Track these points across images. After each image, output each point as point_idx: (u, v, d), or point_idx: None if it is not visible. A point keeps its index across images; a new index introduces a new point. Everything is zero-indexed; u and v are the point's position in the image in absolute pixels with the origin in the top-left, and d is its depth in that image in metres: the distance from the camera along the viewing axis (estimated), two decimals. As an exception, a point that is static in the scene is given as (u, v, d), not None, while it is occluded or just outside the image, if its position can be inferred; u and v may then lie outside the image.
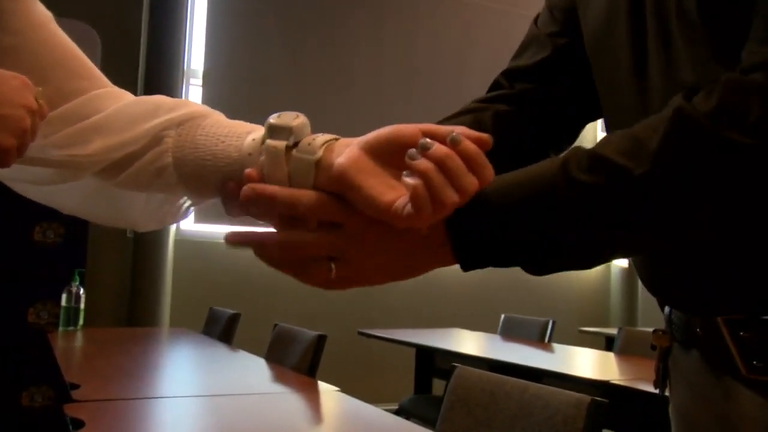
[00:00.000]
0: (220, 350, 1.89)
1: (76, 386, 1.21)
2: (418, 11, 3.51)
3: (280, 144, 0.47)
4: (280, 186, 0.48)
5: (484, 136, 0.43)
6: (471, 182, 0.42)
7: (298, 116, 0.49)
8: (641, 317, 3.85)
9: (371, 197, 0.44)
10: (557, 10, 0.73)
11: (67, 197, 0.55)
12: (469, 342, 2.58)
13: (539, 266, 0.49)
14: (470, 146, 0.42)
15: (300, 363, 1.56)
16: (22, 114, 0.45)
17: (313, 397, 1.34)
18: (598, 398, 0.89)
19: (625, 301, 3.84)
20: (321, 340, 1.54)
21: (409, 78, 3.40)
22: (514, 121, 0.72)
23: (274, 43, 3.10)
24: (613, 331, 3.13)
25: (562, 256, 0.50)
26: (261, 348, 1.94)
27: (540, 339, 2.50)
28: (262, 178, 0.48)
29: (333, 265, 0.48)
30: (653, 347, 0.69)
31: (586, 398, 0.89)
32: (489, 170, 0.43)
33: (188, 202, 0.54)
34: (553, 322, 2.50)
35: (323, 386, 1.37)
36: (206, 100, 2.69)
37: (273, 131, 0.48)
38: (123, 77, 2.67)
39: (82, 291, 2.23)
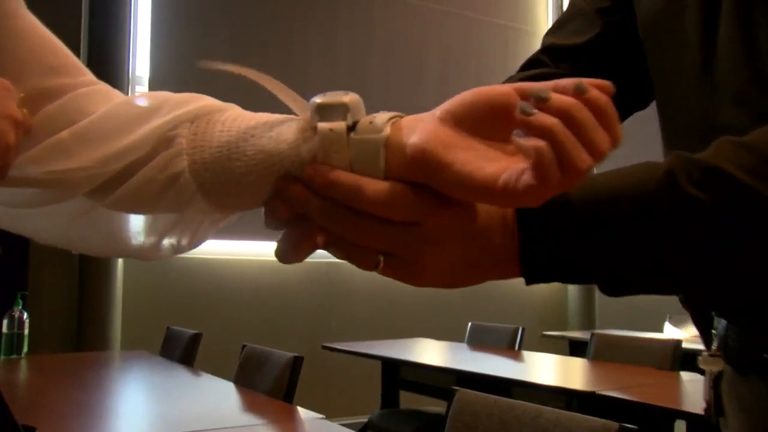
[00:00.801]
0: (182, 374, 1.76)
1: (31, 429, 1.09)
2: (372, 16, 3.45)
3: (339, 125, 0.38)
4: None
5: (605, 82, 0.34)
6: (603, 139, 0.33)
7: (347, 93, 0.40)
8: (599, 320, 3.88)
9: (467, 174, 0.35)
10: None
11: (45, 223, 0.45)
12: (436, 352, 2.51)
13: (622, 288, 0.43)
14: (598, 95, 0.34)
15: (274, 388, 1.46)
16: (4, 127, 0.36)
17: (294, 427, 1.24)
18: (627, 425, 0.82)
19: (583, 304, 3.86)
20: (297, 362, 1.44)
21: (363, 83, 3.34)
22: None
23: (222, 48, 2.99)
24: (575, 334, 3.14)
25: (654, 278, 0.43)
26: (224, 370, 1.85)
27: (510, 347, 2.45)
28: None
29: (381, 259, 0.40)
30: (701, 372, 0.63)
31: (612, 425, 0.82)
32: (619, 127, 0.34)
33: (208, 222, 0.44)
34: (523, 329, 2.45)
35: (304, 413, 1.27)
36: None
37: (323, 111, 0.39)
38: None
39: (25, 315, 2.08)
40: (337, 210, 0.39)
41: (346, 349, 2.43)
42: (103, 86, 0.44)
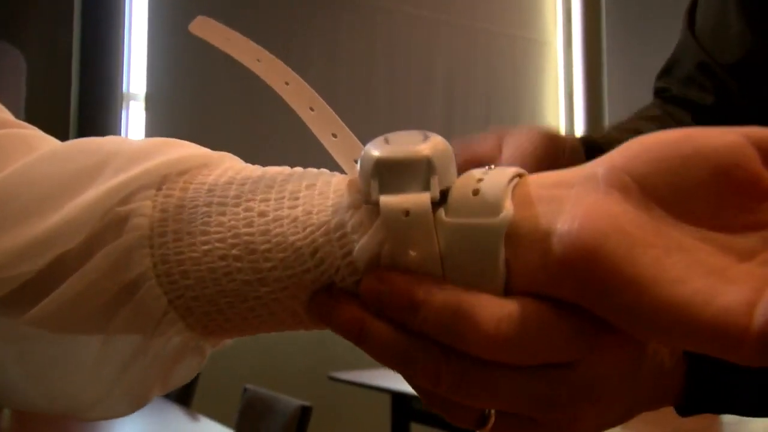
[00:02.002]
0: (179, 416, 1.64)
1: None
2: (374, 27, 3.35)
3: (419, 200, 0.22)
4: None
5: None
6: None
7: (427, 136, 0.23)
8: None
9: (682, 303, 0.19)
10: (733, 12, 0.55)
11: None
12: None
13: None
14: None
15: (280, 440, 1.32)
16: None
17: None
18: None
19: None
20: (305, 412, 1.30)
21: (366, 97, 3.22)
22: None
23: (222, 62, 2.87)
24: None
25: None
26: (223, 411, 1.72)
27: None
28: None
29: (492, 414, 0.24)
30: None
31: None
32: None
33: (190, 353, 0.27)
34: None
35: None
36: (149, 126, 2.46)
37: (388, 174, 0.23)
38: (53, 104, 2.36)
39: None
40: (428, 350, 0.23)
41: (355, 380, 2.32)
42: (24, 130, 0.28)
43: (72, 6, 2.44)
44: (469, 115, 3.43)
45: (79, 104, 2.46)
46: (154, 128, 2.52)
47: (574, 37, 2.96)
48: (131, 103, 2.62)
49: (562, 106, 3.27)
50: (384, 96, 3.30)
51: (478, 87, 3.70)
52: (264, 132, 2.77)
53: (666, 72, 0.61)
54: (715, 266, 0.20)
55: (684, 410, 0.30)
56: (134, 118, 2.56)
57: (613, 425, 0.26)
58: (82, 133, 2.38)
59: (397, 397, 2.40)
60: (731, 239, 0.21)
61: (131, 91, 2.63)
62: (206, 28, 0.30)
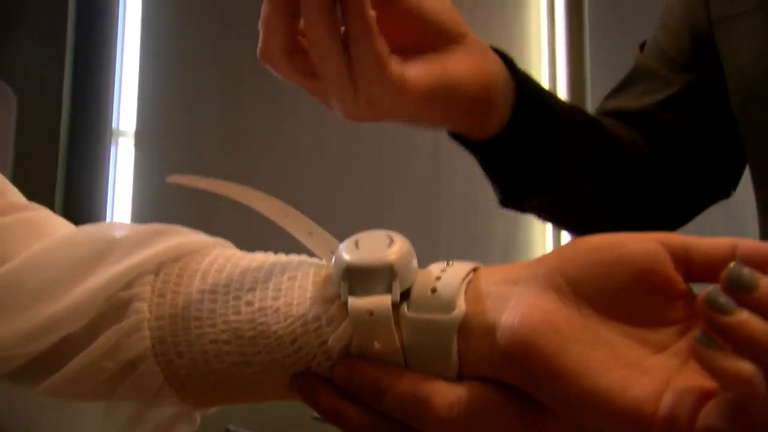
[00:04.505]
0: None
1: None
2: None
3: (381, 302, 0.26)
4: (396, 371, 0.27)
5: None
6: None
7: (392, 240, 0.27)
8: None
9: (602, 392, 0.23)
10: (681, 39, 0.61)
11: None
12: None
13: None
14: None
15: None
16: None
17: None
18: None
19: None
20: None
21: (354, 136, 3.26)
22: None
23: (211, 101, 2.91)
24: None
25: None
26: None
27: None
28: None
29: None
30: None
31: None
32: None
33: (183, 421, 0.31)
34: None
35: None
36: (138, 162, 2.47)
37: (357, 278, 0.27)
38: (42, 139, 2.37)
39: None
40: (393, 429, 0.28)
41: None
42: (33, 213, 0.32)
43: (64, 41, 2.47)
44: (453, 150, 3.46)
45: (69, 140, 2.47)
46: (142, 164, 2.54)
47: (559, 81, 3.02)
48: (120, 139, 2.63)
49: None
50: (373, 134, 3.33)
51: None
52: (252, 170, 2.78)
53: (617, 90, 0.66)
54: (632, 358, 0.24)
55: None
56: (123, 154, 2.58)
57: None
58: (70, 167, 2.38)
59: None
60: (648, 333, 0.25)
61: (121, 127, 2.64)
62: (184, 180, 0.34)
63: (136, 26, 2.53)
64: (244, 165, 2.88)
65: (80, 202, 2.35)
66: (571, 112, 0.54)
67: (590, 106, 3.15)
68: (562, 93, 3.05)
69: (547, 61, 3.47)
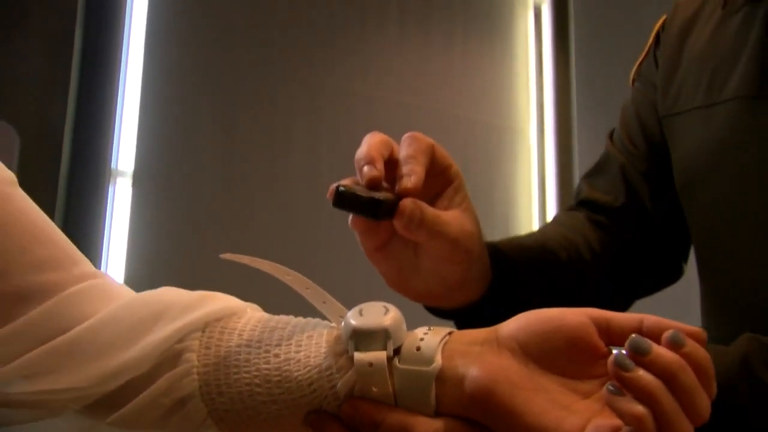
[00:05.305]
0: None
1: None
2: (354, 113, 3.46)
3: (378, 356, 0.35)
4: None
5: (698, 330, 0.32)
6: (706, 405, 0.31)
7: (387, 309, 0.36)
8: None
9: (542, 426, 0.32)
10: (637, 135, 0.71)
11: None
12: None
13: None
14: (699, 351, 0.31)
15: None
16: None
17: None
18: None
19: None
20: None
21: (350, 174, 3.30)
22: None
23: (208, 144, 2.97)
24: None
25: None
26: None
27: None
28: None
29: None
30: None
31: None
32: (714, 383, 0.32)
33: None
34: None
35: None
36: (135, 202, 2.51)
37: (360, 338, 0.35)
38: (42, 177, 2.41)
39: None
40: None
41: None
42: (100, 281, 0.40)
43: (68, 82, 2.53)
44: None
45: (68, 179, 2.51)
46: (140, 204, 2.58)
47: (547, 124, 3.11)
48: (119, 179, 2.68)
49: (534, 190, 3.39)
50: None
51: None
52: (247, 211, 2.83)
53: (591, 174, 0.75)
54: (565, 402, 0.32)
55: None
56: (121, 195, 2.62)
57: None
58: (68, 206, 2.42)
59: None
60: (578, 384, 0.33)
61: (119, 167, 2.69)
62: (230, 256, 0.40)
63: (138, 69, 2.60)
64: (240, 206, 2.92)
65: (77, 241, 2.38)
66: (534, 257, 0.63)
67: (576, 148, 3.23)
68: (550, 134, 3.14)
69: (535, 103, 3.57)
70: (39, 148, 2.44)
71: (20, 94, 2.47)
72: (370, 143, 0.48)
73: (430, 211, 0.48)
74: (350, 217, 0.50)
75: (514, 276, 0.59)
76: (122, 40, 2.62)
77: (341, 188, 0.46)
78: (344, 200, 0.46)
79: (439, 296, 0.55)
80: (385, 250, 0.52)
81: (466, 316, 0.58)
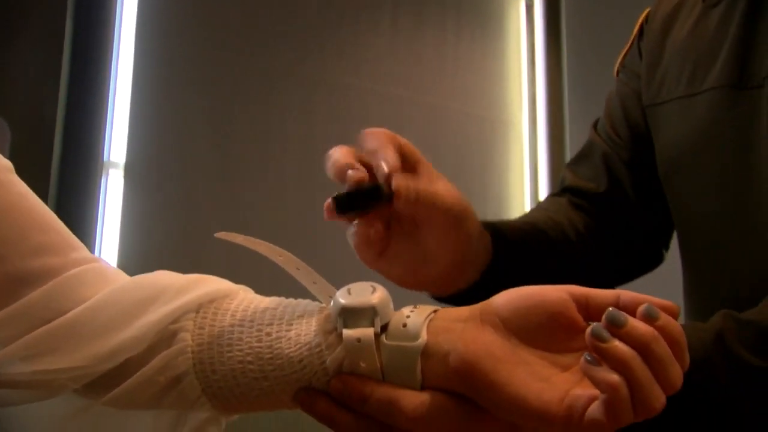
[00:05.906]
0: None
1: None
2: (348, 106, 3.47)
3: (366, 332, 0.36)
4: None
5: (671, 304, 0.34)
6: (678, 374, 0.32)
7: (375, 288, 0.37)
8: None
9: (522, 397, 0.33)
10: (621, 126, 0.72)
11: (30, 423, 0.39)
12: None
13: None
14: (672, 324, 0.32)
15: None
16: None
17: None
18: None
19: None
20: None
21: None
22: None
23: (201, 134, 2.97)
24: None
25: None
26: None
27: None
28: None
29: None
30: None
31: None
32: (687, 356, 0.34)
33: (212, 425, 0.40)
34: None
35: None
36: (127, 194, 2.51)
37: (349, 315, 0.36)
38: (35, 170, 2.41)
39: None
40: (374, 427, 0.37)
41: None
42: (96, 265, 0.41)
43: (59, 75, 2.53)
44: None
45: (60, 171, 2.51)
46: (132, 196, 2.58)
47: (538, 117, 3.12)
48: (111, 171, 2.68)
49: (527, 182, 3.41)
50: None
51: (445, 165, 3.82)
52: (240, 201, 2.84)
53: (575, 162, 0.77)
54: (545, 375, 0.34)
55: None
56: (113, 186, 2.62)
57: None
58: (61, 198, 2.42)
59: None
60: (558, 357, 0.35)
61: (111, 159, 2.69)
62: (223, 235, 0.41)
63: (129, 61, 2.60)
64: (232, 197, 2.93)
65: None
66: (528, 236, 0.64)
67: (568, 141, 3.25)
68: (541, 127, 3.15)
69: (527, 96, 3.58)
70: (31, 141, 2.44)
71: (11, 87, 2.47)
72: (338, 154, 0.49)
73: (420, 182, 0.49)
74: (349, 231, 0.51)
75: (514, 253, 0.60)
76: (113, 32, 2.62)
77: (337, 195, 0.47)
78: (346, 202, 0.47)
79: (451, 277, 0.55)
80: (387, 254, 0.52)
81: (471, 299, 0.59)
